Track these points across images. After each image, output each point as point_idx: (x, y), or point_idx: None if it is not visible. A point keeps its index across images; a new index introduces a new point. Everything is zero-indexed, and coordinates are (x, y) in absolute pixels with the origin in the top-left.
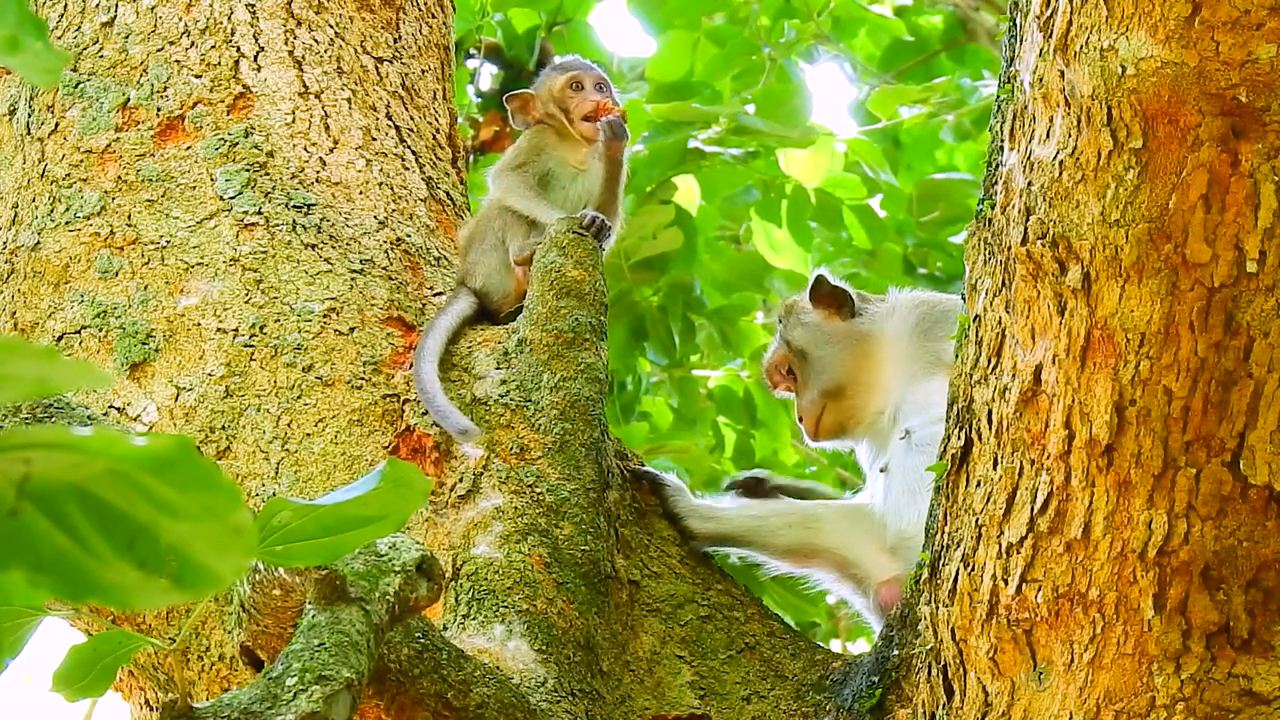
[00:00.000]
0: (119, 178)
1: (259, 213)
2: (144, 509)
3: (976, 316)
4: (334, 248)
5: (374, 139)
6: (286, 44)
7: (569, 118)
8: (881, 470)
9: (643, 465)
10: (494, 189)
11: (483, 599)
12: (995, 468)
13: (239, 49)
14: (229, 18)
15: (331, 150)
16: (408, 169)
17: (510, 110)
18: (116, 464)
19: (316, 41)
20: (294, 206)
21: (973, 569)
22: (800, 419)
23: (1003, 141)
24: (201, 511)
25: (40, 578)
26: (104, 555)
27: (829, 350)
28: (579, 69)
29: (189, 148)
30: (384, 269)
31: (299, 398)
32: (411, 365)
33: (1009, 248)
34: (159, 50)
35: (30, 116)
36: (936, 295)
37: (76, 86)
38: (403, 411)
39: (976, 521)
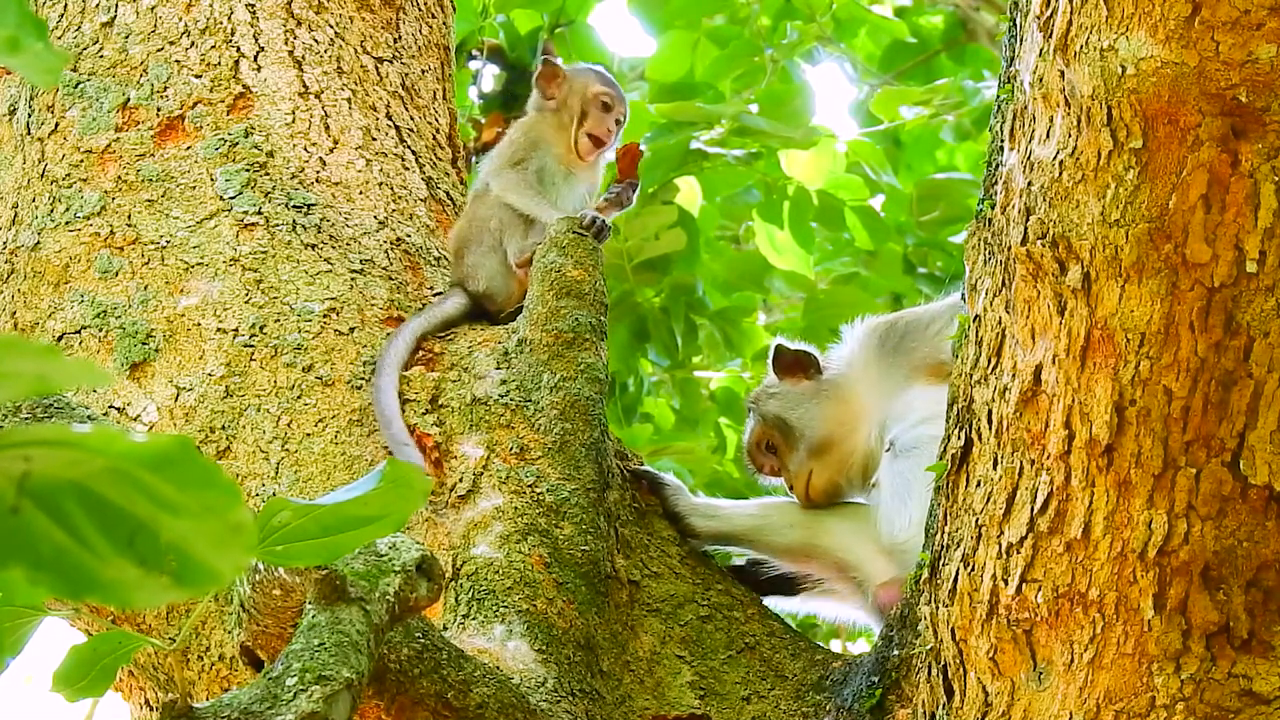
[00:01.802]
0: (119, 178)
1: (259, 213)
2: (144, 506)
3: (976, 316)
4: (334, 248)
5: (374, 139)
6: (286, 44)
7: (581, 123)
8: (872, 485)
9: (642, 465)
10: (491, 185)
11: (483, 599)
12: (995, 468)
13: (239, 49)
14: (229, 18)
15: (331, 150)
16: (408, 169)
17: (537, 75)
18: (116, 462)
19: (316, 41)
20: (294, 206)
21: (973, 569)
22: (790, 488)
23: (1003, 141)
24: (201, 509)
25: (40, 575)
26: (104, 553)
27: (806, 407)
28: (615, 93)
29: (189, 148)
30: (384, 269)
31: (299, 398)
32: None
33: (1009, 248)
34: (159, 50)
35: (30, 116)
36: (893, 314)
37: (76, 86)
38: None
39: (976, 521)
